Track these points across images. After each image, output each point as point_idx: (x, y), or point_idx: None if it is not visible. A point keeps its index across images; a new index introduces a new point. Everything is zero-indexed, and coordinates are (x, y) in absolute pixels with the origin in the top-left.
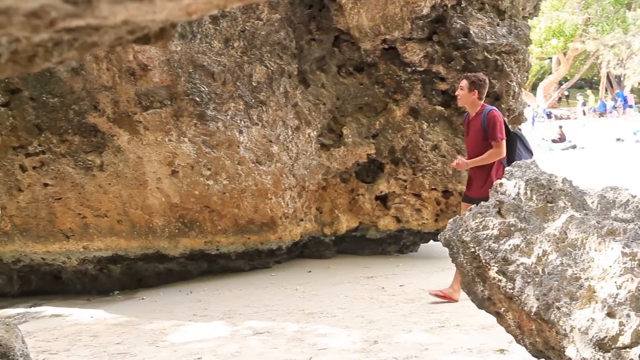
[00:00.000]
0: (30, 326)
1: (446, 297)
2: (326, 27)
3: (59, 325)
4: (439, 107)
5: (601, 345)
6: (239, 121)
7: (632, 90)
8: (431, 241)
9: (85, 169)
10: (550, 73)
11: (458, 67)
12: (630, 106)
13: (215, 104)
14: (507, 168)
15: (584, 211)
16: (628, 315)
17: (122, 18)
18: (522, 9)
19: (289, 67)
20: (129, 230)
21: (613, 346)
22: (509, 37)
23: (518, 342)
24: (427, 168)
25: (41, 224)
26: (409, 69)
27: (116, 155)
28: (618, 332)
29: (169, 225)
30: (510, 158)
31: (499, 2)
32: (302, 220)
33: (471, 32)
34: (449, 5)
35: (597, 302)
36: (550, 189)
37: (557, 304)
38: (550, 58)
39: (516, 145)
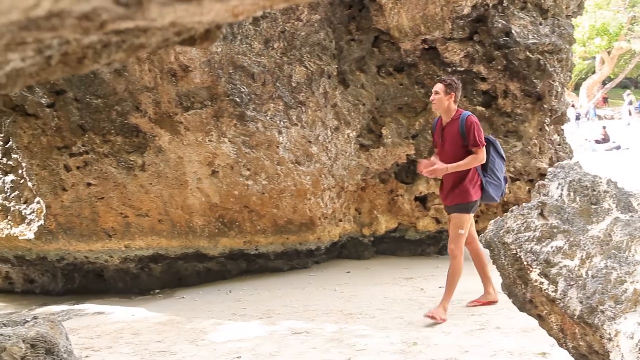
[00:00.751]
0: (73, 323)
1: (485, 303)
2: (366, 27)
3: (101, 322)
4: (479, 108)
5: None
6: (278, 122)
7: None
8: None
9: (127, 169)
10: (594, 72)
11: (499, 67)
12: None
13: (255, 104)
14: (550, 169)
15: (630, 213)
16: None
17: (169, 20)
18: (566, 8)
19: (329, 67)
20: (170, 230)
21: None
22: (551, 36)
23: (560, 345)
24: None
25: (84, 223)
26: (449, 69)
27: (157, 155)
28: None
29: (209, 225)
30: (484, 164)
31: (542, 0)
32: (340, 220)
33: (513, 31)
34: (490, 4)
35: None
36: (595, 190)
37: (601, 307)
38: (594, 57)
39: (490, 151)
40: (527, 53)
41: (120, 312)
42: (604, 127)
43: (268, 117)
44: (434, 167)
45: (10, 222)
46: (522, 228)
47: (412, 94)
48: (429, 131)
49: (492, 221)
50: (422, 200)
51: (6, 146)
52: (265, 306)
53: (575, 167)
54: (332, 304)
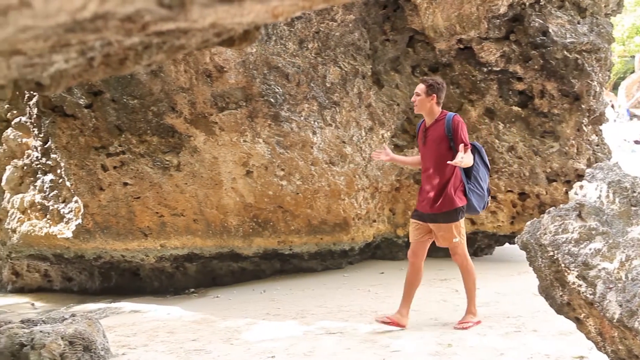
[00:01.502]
0: (110, 321)
1: (393, 323)
2: (400, 27)
3: (137, 321)
4: (515, 108)
5: None
6: (312, 122)
7: None
8: (506, 244)
9: (162, 169)
10: (633, 72)
11: (536, 67)
12: None
13: (289, 105)
14: (588, 170)
15: None
16: None
17: (210, 21)
18: (605, 6)
19: (363, 67)
20: (204, 229)
21: None
22: (590, 35)
23: (599, 349)
24: (502, 169)
25: (121, 222)
26: (485, 69)
27: (192, 155)
28: None
29: (243, 224)
30: (468, 171)
31: None
32: (374, 221)
33: (550, 30)
34: (527, 3)
35: None
36: (635, 191)
37: None
38: (634, 56)
39: (475, 159)
40: (565, 52)
41: (156, 310)
42: None
43: (302, 118)
44: (464, 154)
45: (49, 221)
46: (560, 230)
47: (447, 94)
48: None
49: (528, 222)
50: None
51: (45, 146)
52: (299, 306)
53: (615, 168)
54: (366, 305)
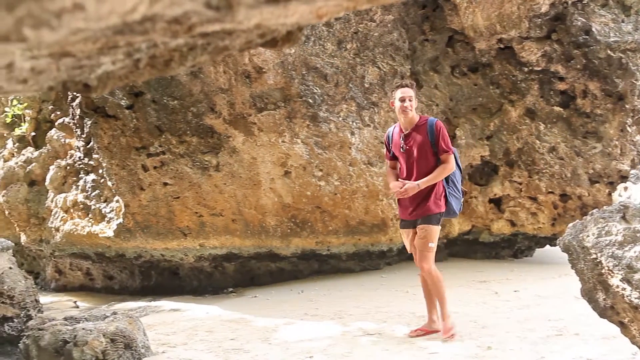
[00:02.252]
0: (150, 319)
1: (428, 332)
2: (440, 27)
3: (176, 319)
4: (557, 108)
5: None
6: (351, 122)
7: None
8: (547, 246)
9: (202, 169)
10: None
11: (578, 67)
12: None
13: (327, 105)
14: (632, 171)
15: None
16: None
17: (255, 22)
18: None
19: (402, 68)
20: (243, 229)
21: None
22: (634, 34)
23: None
24: (543, 170)
25: (161, 222)
26: (526, 69)
27: (231, 155)
28: None
29: (281, 225)
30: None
31: None
32: None
33: (593, 29)
34: (570, 2)
35: None
36: None
37: None
38: None
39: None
40: (608, 51)
41: (195, 309)
42: None
43: (340, 118)
44: (405, 187)
45: (91, 220)
46: (603, 232)
47: (487, 95)
48: (504, 132)
49: (570, 224)
50: (497, 202)
51: (88, 146)
52: (337, 307)
53: None
54: (404, 306)
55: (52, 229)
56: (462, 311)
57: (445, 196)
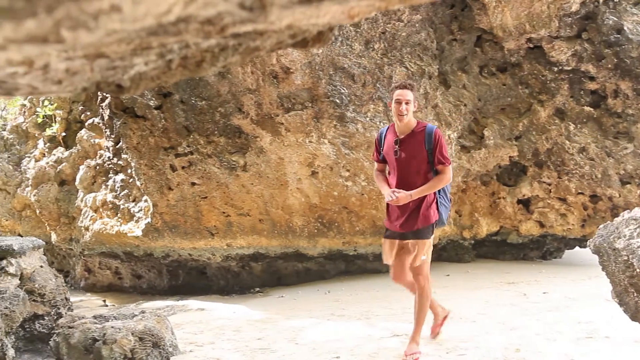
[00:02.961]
0: (178, 318)
1: (442, 322)
2: (468, 27)
3: (204, 318)
4: (587, 108)
5: None
6: (378, 122)
7: None
8: (577, 248)
9: (229, 169)
10: None
11: (609, 66)
12: None
13: (355, 105)
14: None
15: None
16: None
17: (286, 22)
18: None
19: (430, 68)
20: (270, 229)
21: None
22: None
23: None
24: (573, 171)
25: (188, 222)
26: (556, 69)
27: (259, 156)
28: None
29: (308, 225)
30: None
31: None
32: None
33: (625, 28)
34: (601, 0)
35: None
36: None
37: None
38: None
39: None
40: None
41: (222, 309)
42: None
43: (368, 118)
44: (397, 196)
45: (119, 219)
46: (635, 234)
47: (516, 95)
48: (533, 132)
49: (601, 226)
50: (525, 203)
51: (117, 146)
52: (364, 307)
53: None
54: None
55: (82, 228)
56: (489, 313)
57: (437, 205)
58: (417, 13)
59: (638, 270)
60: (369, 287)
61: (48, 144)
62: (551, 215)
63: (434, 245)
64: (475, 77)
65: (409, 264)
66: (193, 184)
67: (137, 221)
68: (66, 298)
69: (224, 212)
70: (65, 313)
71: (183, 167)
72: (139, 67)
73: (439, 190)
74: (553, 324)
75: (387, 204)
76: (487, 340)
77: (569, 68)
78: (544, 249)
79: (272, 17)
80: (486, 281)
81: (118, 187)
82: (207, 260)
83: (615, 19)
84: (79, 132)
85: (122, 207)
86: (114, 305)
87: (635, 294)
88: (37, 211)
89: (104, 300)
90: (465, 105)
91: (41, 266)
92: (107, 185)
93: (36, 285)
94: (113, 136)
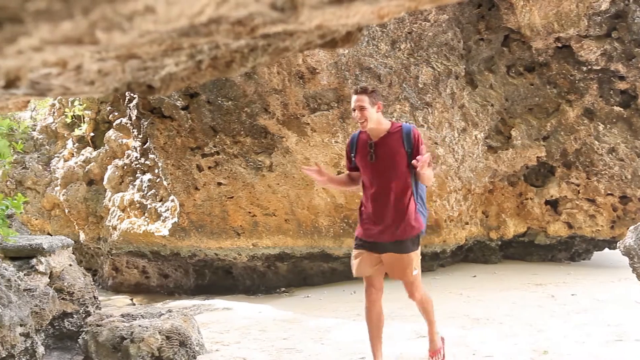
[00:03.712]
0: (204, 318)
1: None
2: (495, 26)
3: (230, 318)
4: (617, 108)
5: None
6: (404, 123)
7: None
8: (606, 249)
9: (255, 169)
10: None
11: None
12: None
13: None
14: None
15: None
16: None
17: (316, 23)
18: None
19: (456, 68)
20: (296, 229)
21: None
22: None
23: None
24: (602, 172)
25: (215, 221)
26: (585, 68)
27: (284, 156)
28: None
29: (334, 225)
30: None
31: None
32: (467, 223)
33: None
34: None
35: None
36: None
37: None
38: None
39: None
40: None
41: (248, 308)
42: None
43: (394, 119)
44: (424, 157)
45: (147, 219)
46: None
47: (544, 94)
48: (561, 132)
49: (631, 227)
50: (553, 204)
51: (144, 146)
52: (389, 308)
53: None
54: (458, 308)
55: (110, 227)
56: (516, 314)
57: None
58: (443, 13)
59: None
60: (395, 287)
61: (77, 144)
62: (580, 216)
63: (461, 246)
64: (503, 77)
65: (383, 278)
66: (219, 184)
67: (164, 221)
68: (94, 296)
69: (249, 212)
70: (94, 311)
71: (209, 167)
72: (170, 67)
73: (417, 197)
74: (581, 326)
75: (360, 209)
76: (514, 342)
77: (598, 67)
78: (572, 251)
79: (303, 18)
80: (513, 282)
81: (145, 187)
82: (233, 260)
83: None
84: (107, 132)
85: (149, 206)
86: (141, 304)
87: None
88: (66, 210)
89: (131, 299)
90: (492, 105)
91: (70, 265)
92: (134, 185)
93: (65, 284)
94: (140, 136)
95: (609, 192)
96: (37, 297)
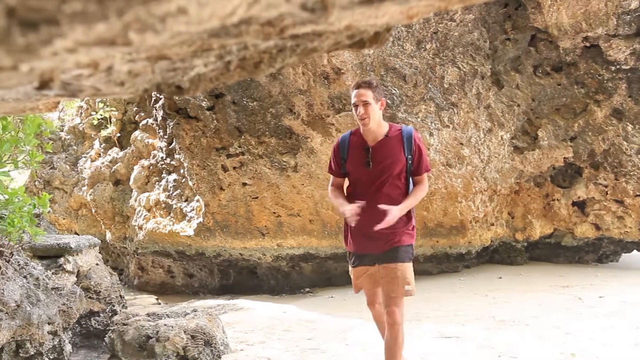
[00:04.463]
0: (229, 317)
1: None
2: (522, 26)
3: (254, 318)
4: None
5: None
6: (429, 123)
7: None
8: (634, 251)
9: (280, 170)
10: None
11: None
12: None
13: (406, 106)
14: None
15: None
16: None
17: (345, 23)
18: None
19: (482, 68)
20: (320, 230)
21: None
22: None
23: None
24: (631, 173)
25: (239, 221)
26: (613, 68)
27: (309, 156)
28: None
29: None
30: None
31: None
32: (492, 224)
33: None
34: None
35: None
36: None
37: None
38: None
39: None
40: None
41: (272, 308)
42: None
43: (419, 119)
44: (391, 215)
45: (172, 219)
46: None
47: (571, 95)
48: (589, 133)
49: None
50: (581, 205)
51: (170, 147)
52: (414, 309)
53: None
54: (484, 310)
55: (136, 227)
56: (542, 316)
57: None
58: (469, 12)
59: None
60: (420, 288)
61: (103, 144)
62: (607, 217)
63: (486, 247)
64: (529, 77)
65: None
66: (244, 184)
67: (189, 221)
68: (121, 295)
69: (274, 213)
70: (120, 310)
71: (234, 168)
72: (199, 68)
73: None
74: (609, 329)
75: (346, 223)
76: (541, 344)
77: (627, 67)
78: (599, 252)
79: (332, 18)
80: (540, 284)
81: (171, 187)
82: (258, 260)
83: None
84: (133, 132)
85: (174, 206)
86: (166, 304)
87: None
88: (93, 210)
89: (157, 298)
90: (518, 105)
91: (97, 264)
92: (160, 185)
93: (92, 283)
94: (166, 137)
95: (638, 193)
96: (65, 296)
